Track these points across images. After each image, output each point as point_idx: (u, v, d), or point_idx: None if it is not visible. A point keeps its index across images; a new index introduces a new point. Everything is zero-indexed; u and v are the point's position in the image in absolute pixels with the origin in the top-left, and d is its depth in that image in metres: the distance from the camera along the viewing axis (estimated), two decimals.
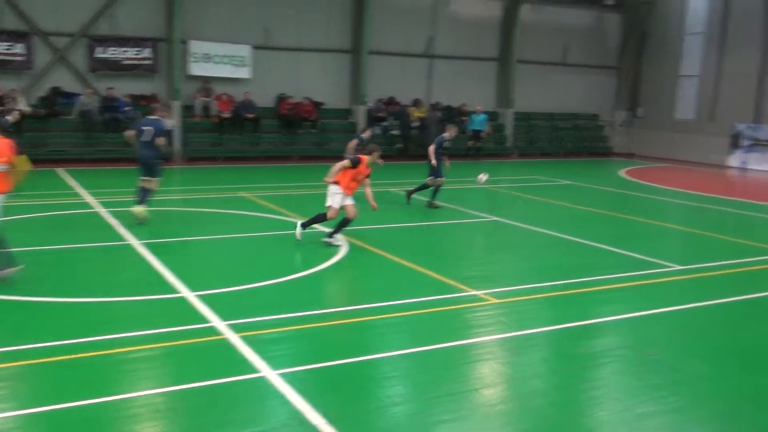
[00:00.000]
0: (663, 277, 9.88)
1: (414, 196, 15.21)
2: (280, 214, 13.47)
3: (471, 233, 13.19)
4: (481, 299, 8.53)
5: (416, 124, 25.48)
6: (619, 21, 31.55)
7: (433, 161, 14.40)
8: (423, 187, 14.82)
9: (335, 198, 10.60)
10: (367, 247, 10.88)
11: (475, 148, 26.34)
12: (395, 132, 25.07)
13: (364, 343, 7.07)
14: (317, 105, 25.03)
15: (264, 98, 24.34)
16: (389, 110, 25.98)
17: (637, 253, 11.26)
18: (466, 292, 8.79)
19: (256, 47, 24.04)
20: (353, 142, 15.81)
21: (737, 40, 27.75)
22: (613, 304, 8.72)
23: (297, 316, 7.59)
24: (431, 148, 14.56)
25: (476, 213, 14.56)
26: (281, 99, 24.57)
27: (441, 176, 14.56)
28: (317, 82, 25.35)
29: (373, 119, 25.75)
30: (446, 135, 14.69)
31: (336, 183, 10.56)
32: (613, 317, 8.11)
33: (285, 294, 8.44)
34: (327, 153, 24.82)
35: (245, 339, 6.86)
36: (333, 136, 25.29)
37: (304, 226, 10.86)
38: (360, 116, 25.61)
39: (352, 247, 10.82)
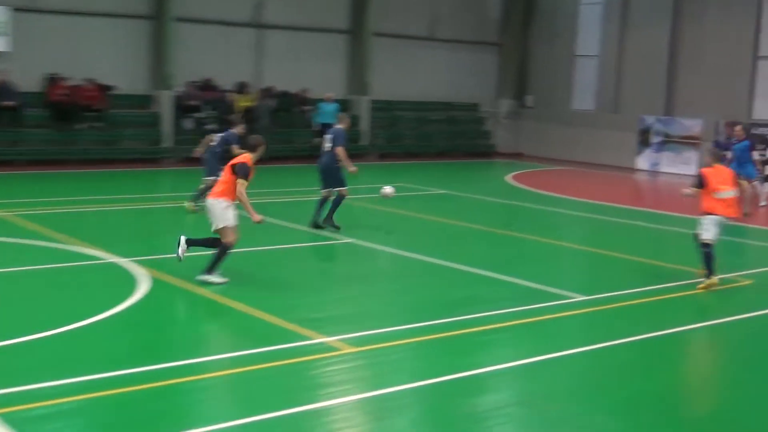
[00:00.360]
0: (564, 311, 10.25)
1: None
2: (51, 239, 12.95)
3: (318, 260, 13.14)
4: (332, 348, 8.46)
5: (241, 115, 25.06)
6: None
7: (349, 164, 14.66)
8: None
9: (228, 214, 10.68)
10: (177, 281, 10.65)
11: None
12: (212, 126, 24.34)
13: (172, 415, 6.85)
14: (104, 89, 24.19)
15: (28, 80, 23.37)
16: (205, 97, 25.60)
17: (531, 280, 11.64)
18: (313, 339, 8.69)
19: (18, 9, 23.13)
20: (208, 138, 15.99)
21: (643, 12, 29.67)
22: (502, 347, 8.91)
23: (80, 381, 7.32)
24: (341, 150, 14.63)
25: (325, 234, 14.62)
26: (53, 81, 23.57)
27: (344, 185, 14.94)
28: (104, 58, 24.65)
29: (182, 109, 25.24)
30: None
31: (222, 197, 10.70)
32: (504, 364, 8.27)
33: (63, 351, 8.19)
34: (118, 155, 24.05)
35: (4, 418, 6.41)
36: (127, 133, 24.57)
37: (189, 243, 10.91)
38: (165, 105, 25.06)
39: (157, 283, 10.51)
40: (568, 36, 32.01)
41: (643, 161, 28.85)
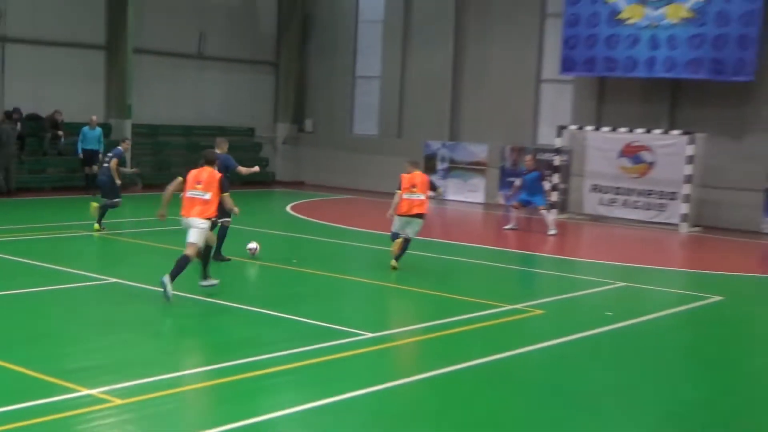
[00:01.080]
0: (350, 350, 10.44)
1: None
2: None
3: (81, 304, 12.74)
4: (99, 400, 8.24)
5: None
6: None
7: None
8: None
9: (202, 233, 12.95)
10: None
11: (92, 177, 25.40)
12: None
13: None
14: None
15: None
16: None
17: (315, 318, 11.82)
18: (77, 392, 8.43)
19: None
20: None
21: (424, 32, 30.83)
22: (284, 391, 8.97)
23: None
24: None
25: (85, 273, 14.30)
26: None
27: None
28: None
29: None
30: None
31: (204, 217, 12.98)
32: (285, 410, 8.33)
33: None
34: None
35: None
36: None
37: (173, 276, 12.51)
38: None
39: None
40: (347, 55, 32.70)
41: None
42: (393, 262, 15.83)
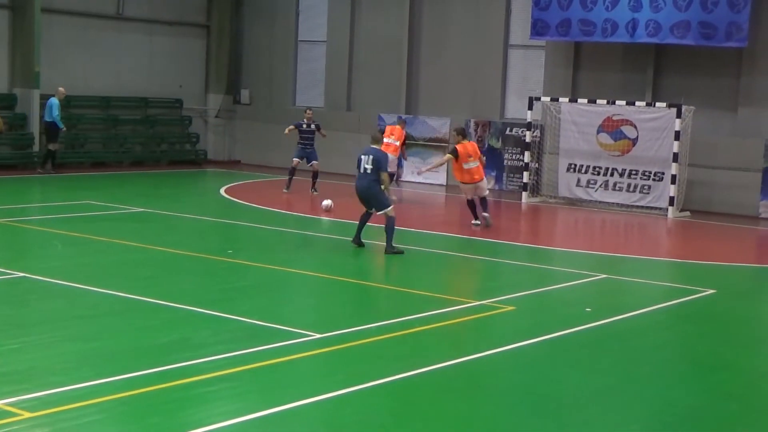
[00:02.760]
0: (296, 353, 10.41)
1: None
2: None
3: None
4: (7, 413, 8.14)
5: None
6: None
7: None
8: None
9: None
10: None
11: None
12: None
13: None
14: None
15: None
16: None
17: (256, 317, 11.81)
18: None
19: None
20: None
21: None
22: (221, 400, 8.91)
23: None
24: None
25: None
26: None
27: None
28: None
29: None
30: None
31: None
32: (224, 422, 8.29)
33: None
34: None
35: None
36: None
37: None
38: None
39: None
40: (288, 17, 32.65)
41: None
42: (481, 219, 20.48)
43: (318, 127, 25.68)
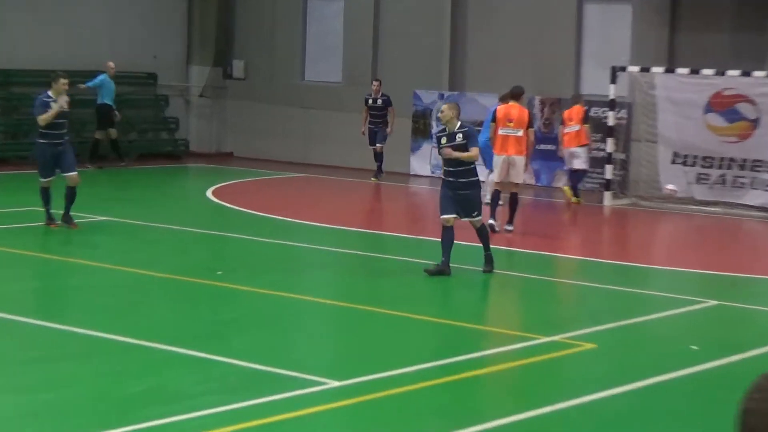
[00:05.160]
0: (309, 406, 10.33)
1: None
2: None
3: None
4: None
5: None
6: None
7: None
8: None
9: None
10: None
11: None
12: None
13: None
14: None
15: None
16: None
17: (255, 359, 11.76)
18: None
19: None
20: None
21: None
22: None
23: None
24: None
25: None
26: None
27: None
28: None
29: None
30: None
31: None
32: None
33: None
34: None
35: None
36: None
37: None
38: None
39: None
40: None
41: (419, 163, 30.00)
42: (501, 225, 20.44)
43: (386, 103, 26.80)
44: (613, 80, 25.95)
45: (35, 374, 11.38)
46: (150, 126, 32.44)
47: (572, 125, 24.56)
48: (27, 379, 11.22)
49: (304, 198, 25.02)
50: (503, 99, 21.65)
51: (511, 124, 20.32)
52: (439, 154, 16.93)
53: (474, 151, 16.42)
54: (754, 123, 24.91)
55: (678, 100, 25.78)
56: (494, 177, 20.66)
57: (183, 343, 12.35)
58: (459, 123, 16.69)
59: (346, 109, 30.87)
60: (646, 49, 27.47)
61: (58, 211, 18.98)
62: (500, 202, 20.47)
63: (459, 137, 16.35)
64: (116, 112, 28.91)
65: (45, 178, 18.78)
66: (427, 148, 29.58)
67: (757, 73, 24.83)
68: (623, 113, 26.41)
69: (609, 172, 25.89)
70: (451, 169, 16.35)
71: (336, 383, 11.07)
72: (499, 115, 20.40)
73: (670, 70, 26.09)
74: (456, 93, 29.50)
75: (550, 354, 12.72)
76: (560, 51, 28.82)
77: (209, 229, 20.95)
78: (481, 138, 23.15)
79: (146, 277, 16.14)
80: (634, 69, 26.29)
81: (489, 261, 16.69)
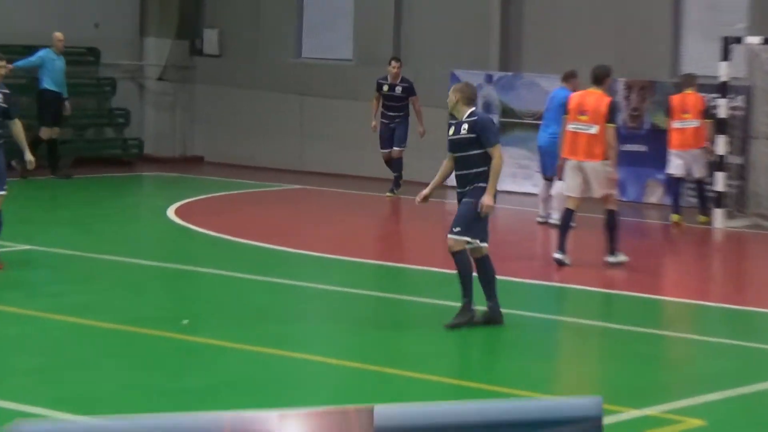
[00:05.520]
0: None
1: None
2: None
3: None
4: None
5: None
6: None
7: None
8: None
9: None
10: None
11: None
12: None
13: None
14: None
15: None
16: None
17: None
18: None
19: None
20: None
21: None
22: None
23: None
24: None
25: None
26: None
27: None
28: None
29: None
30: None
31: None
32: None
33: None
34: None
35: None
36: None
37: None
38: None
39: None
40: None
41: None
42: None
43: (408, 91, 26.39)
44: (725, 56, 25.85)
45: None
46: (90, 120, 32.45)
47: (688, 119, 24.35)
48: None
49: (300, 219, 25.01)
50: (568, 79, 22.26)
51: (584, 118, 20.19)
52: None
53: (495, 156, 15.92)
54: None
55: None
56: (566, 189, 20.58)
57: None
58: (470, 110, 16.28)
59: (358, 96, 30.87)
60: None
61: None
62: (572, 224, 20.36)
63: (464, 129, 16.06)
64: (66, 103, 29.02)
65: None
66: None
67: None
68: (739, 101, 26.32)
69: (721, 182, 25.74)
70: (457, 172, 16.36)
71: None
72: (571, 104, 20.31)
73: None
74: (510, 74, 29.57)
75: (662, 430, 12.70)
76: (653, 17, 28.84)
77: (171, 261, 20.96)
78: (543, 134, 23.31)
79: (84, 327, 16.10)
80: (753, 40, 26.24)
81: (494, 313, 16.31)
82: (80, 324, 16.22)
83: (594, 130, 20.03)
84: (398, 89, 26.28)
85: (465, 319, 16.06)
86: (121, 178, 30.53)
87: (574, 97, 20.57)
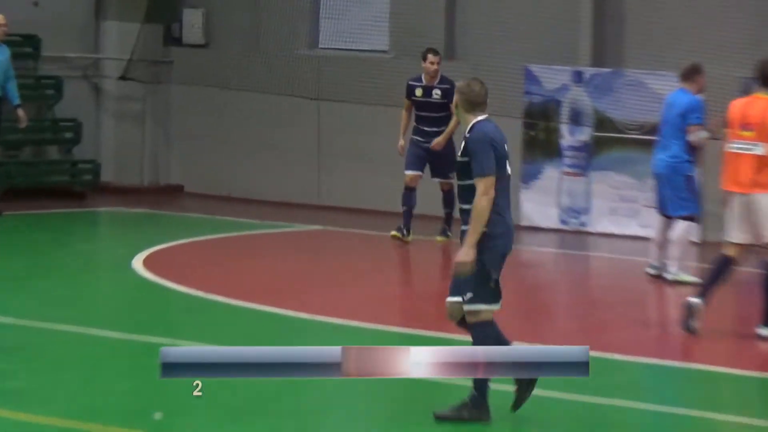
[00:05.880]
0: None
1: None
2: None
3: None
4: None
5: None
6: None
7: None
8: None
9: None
10: None
11: None
12: None
13: None
14: None
15: None
16: None
17: None
18: None
19: None
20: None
21: None
22: None
23: None
24: None
25: None
26: None
27: None
28: None
29: None
30: None
31: None
32: None
33: None
34: None
35: None
36: None
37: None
38: None
39: None
40: None
41: (535, 204, 30.60)
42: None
43: (451, 95, 26.03)
44: None
45: None
46: (26, 136, 32.52)
47: None
48: None
49: (314, 270, 25.07)
50: (691, 77, 22.33)
51: (749, 134, 19.54)
52: None
53: (478, 192, 15.00)
54: None
55: None
56: (731, 235, 20.03)
57: None
58: (474, 120, 15.64)
59: (397, 101, 30.89)
60: None
61: None
62: (727, 278, 20.31)
63: (462, 149, 15.59)
64: (19, 111, 29.50)
65: None
66: (553, 177, 29.62)
67: None
68: None
69: None
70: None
71: None
72: (732, 114, 19.57)
73: None
74: (607, 71, 29.67)
75: None
76: None
77: (137, 332, 20.95)
78: (660, 156, 23.24)
79: (17, 424, 16.05)
80: None
81: (474, 403, 15.82)
82: (10, 419, 16.16)
83: (761, 150, 19.46)
84: (436, 93, 25.77)
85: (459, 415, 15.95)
86: (68, 216, 30.74)
87: (737, 106, 19.87)
